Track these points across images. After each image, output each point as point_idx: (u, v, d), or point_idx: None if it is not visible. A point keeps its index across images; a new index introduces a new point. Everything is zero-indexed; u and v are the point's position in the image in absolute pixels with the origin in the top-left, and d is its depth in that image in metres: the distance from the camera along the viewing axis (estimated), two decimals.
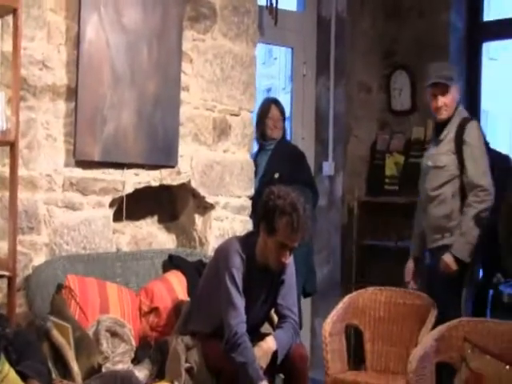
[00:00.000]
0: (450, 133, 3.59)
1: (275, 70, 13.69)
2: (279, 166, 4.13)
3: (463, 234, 3.45)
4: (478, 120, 5.10)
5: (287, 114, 4.50)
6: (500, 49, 15.19)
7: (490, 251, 4.32)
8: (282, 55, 5.91)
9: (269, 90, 15.72)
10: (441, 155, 3.58)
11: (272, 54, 14.61)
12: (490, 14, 5.30)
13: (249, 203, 3.91)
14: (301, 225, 2.81)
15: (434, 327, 3.02)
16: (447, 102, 3.58)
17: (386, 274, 3.88)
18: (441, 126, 3.64)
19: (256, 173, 4.10)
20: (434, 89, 3.61)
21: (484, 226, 3.50)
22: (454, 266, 3.44)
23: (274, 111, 4.20)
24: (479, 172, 3.47)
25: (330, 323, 3.20)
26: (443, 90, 3.58)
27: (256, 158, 4.23)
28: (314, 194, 4.20)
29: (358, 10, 5.12)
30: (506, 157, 4.12)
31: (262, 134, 4.25)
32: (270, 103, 4.27)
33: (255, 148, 4.32)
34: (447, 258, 3.45)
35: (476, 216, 3.43)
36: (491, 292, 4.16)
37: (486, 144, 3.67)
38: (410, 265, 3.78)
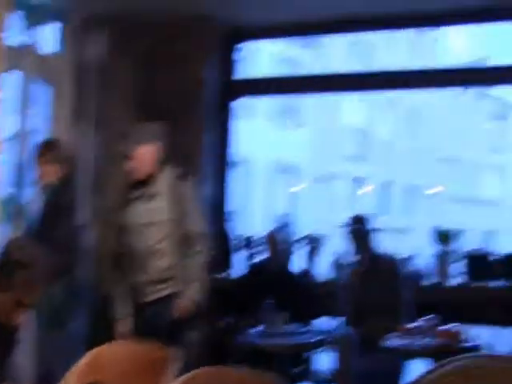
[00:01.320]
0: (161, 190, 3.67)
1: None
2: (41, 216, 3.92)
3: (194, 278, 3.64)
4: (230, 169, 5.41)
5: None
6: (256, 105, 16.41)
7: (240, 301, 4.53)
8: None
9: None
10: (156, 211, 3.65)
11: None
12: (246, 71, 5.64)
13: None
14: (38, 280, 2.68)
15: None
16: (134, 165, 3.66)
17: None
18: (142, 183, 3.69)
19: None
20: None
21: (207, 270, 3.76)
22: (189, 309, 3.60)
23: (36, 154, 4.06)
24: (201, 223, 3.73)
25: (72, 382, 3.06)
26: (128, 155, 3.69)
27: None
28: (64, 254, 3.73)
29: (117, 59, 5.14)
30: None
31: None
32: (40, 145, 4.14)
33: None
34: (181, 302, 3.60)
35: (203, 262, 3.67)
36: (236, 339, 4.34)
37: None
38: (125, 327, 3.71)
